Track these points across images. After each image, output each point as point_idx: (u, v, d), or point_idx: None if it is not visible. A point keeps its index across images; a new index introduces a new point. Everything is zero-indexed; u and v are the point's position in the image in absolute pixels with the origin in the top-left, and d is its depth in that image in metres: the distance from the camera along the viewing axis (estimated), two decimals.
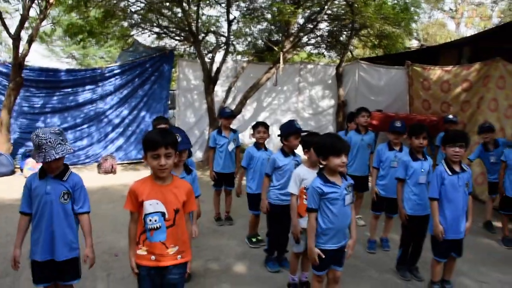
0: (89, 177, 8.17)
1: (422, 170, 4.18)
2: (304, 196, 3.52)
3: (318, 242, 3.12)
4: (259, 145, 5.00)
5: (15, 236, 2.87)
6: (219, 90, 10.62)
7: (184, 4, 8.97)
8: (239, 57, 12.87)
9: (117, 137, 10.16)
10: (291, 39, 9.63)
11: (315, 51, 13.07)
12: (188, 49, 11.12)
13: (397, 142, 4.96)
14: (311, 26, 10.05)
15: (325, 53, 13.22)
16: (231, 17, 10.20)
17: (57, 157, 2.68)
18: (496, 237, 5.63)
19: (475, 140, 7.75)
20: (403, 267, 4.35)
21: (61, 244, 2.83)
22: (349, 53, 12.85)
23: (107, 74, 10.05)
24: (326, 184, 3.06)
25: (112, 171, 9.05)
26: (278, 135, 4.33)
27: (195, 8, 9.36)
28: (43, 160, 2.67)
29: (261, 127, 4.99)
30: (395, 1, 9.89)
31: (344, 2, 9.54)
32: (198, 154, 10.31)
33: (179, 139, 3.02)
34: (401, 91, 9.70)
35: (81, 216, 2.93)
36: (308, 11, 9.68)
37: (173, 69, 11.08)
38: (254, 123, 5.19)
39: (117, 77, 10.13)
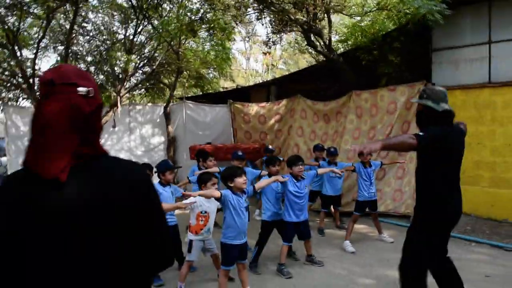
0: None
1: (278, 187, 5.59)
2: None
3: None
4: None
5: None
6: None
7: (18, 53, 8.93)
8: None
9: None
10: (126, 84, 10.39)
11: (139, 92, 13.95)
12: (14, 93, 10.75)
13: (241, 167, 6.22)
14: (145, 71, 10.98)
15: (147, 93, 14.23)
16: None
17: None
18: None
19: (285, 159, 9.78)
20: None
21: None
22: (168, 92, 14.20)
23: None
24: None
25: None
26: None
27: (29, 56, 9.36)
28: None
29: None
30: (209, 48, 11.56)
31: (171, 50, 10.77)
32: None
33: None
34: (225, 125, 11.29)
35: None
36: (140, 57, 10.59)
37: None
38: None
39: None
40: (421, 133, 3.34)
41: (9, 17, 8.81)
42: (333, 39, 9.06)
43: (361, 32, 8.32)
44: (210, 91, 13.80)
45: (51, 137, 1.32)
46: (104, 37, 12.85)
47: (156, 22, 10.35)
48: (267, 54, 13.86)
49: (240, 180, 4.26)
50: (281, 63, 24.10)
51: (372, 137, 8.37)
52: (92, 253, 1.29)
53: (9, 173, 9.76)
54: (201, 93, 14.32)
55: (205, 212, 4.68)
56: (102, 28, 12.86)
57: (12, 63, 9.79)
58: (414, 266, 3.61)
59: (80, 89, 1.38)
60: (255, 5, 8.59)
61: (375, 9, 7.85)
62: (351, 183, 8.33)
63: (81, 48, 12.20)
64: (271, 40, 10.17)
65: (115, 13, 12.29)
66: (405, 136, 3.59)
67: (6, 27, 8.63)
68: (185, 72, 13.00)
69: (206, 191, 4.31)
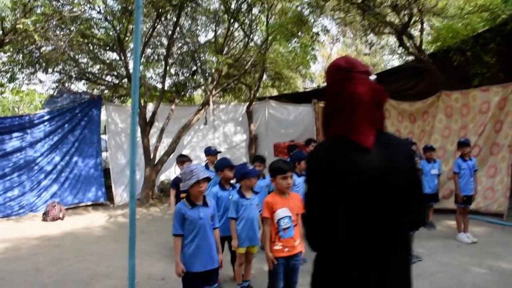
0: (40, 226, 8.56)
1: None
2: None
3: None
4: None
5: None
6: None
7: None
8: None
9: (51, 184, 10.14)
10: (215, 84, 11.06)
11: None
12: (115, 93, 11.71)
13: None
14: (236, 73, 11.63)
15: (225, 92, 14.95)
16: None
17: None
18: None
19: None
20: None
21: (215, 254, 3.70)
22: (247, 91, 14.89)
23: (36, 121, 10.06)
24: None
25: (61, 217, 9.12)
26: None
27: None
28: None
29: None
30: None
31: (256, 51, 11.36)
32: None
33: None
34: (308, 124, 11.71)
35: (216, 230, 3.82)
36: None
37: None
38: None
39: (46, 123, 10.20)
40: None
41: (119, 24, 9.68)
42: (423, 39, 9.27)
43: (452, 34, 8.48)
44: (286, 91, 14.30)
45: (363, 113, 1.76)
46: (187, 39, 13.60)
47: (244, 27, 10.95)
48: (368, 54, 14.40)
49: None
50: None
51: (463, 136, 8.49)
52: (390, 201, 1.73)
53: (110, 166, 10.71)
54: (276, 93, 14.86)
55: None
56: (184, 31, 13.62)
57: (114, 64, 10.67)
58: None
59: (371, 77, 1.83)
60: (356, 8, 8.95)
61: (475, 10, 7.99)
62: (443, 179, 8.53)
63: (163, 50, 12.96)
64: (368, 42, 10.61)
65: (199, 17, 13.00)
66: None
67: (116, 33, 9.48)
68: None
69: None
